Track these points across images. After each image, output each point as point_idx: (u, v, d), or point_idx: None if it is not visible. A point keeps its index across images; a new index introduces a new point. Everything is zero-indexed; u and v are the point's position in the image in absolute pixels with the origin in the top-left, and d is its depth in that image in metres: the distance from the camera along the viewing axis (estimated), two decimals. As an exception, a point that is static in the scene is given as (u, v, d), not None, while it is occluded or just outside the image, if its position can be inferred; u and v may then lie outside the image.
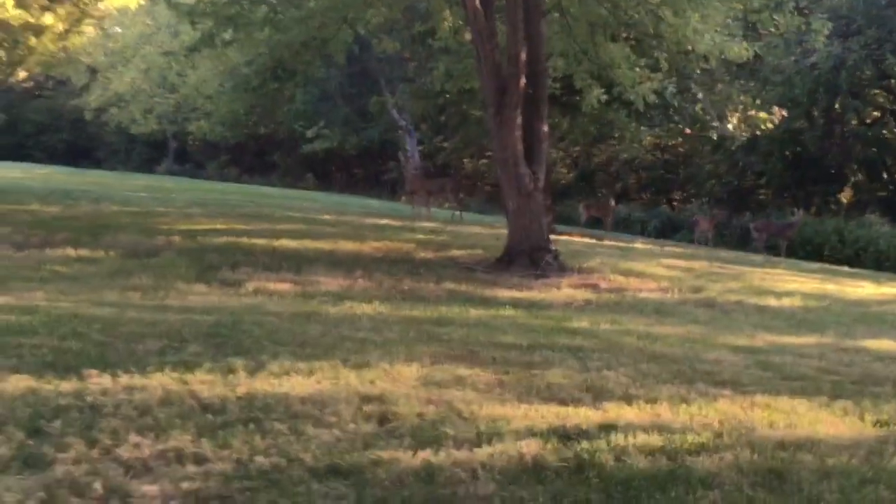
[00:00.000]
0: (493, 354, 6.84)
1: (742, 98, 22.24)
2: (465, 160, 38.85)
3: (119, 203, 18.78)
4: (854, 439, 5.11)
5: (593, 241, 19.58)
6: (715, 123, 21.56)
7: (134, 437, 4.40)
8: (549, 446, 4.59)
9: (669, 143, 34.58)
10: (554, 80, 18.28)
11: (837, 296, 13.23)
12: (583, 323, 9.06)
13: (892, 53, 26.31)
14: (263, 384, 5.45)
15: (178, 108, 50.57)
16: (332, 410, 5.00)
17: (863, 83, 29.30)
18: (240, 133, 47.63)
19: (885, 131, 31.62)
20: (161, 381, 5.36)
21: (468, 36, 15.79)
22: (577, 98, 18.31)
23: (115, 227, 14.08)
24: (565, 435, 4.81)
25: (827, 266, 21.03)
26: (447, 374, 6.00)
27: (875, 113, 32.62)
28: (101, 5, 27.23)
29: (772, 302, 11.90)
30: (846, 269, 20.62)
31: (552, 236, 14.57)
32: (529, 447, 4.55)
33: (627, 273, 13.07)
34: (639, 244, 20.04)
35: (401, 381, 5.74)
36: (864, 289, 14.73)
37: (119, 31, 53.73)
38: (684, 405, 5.58)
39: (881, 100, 32.13)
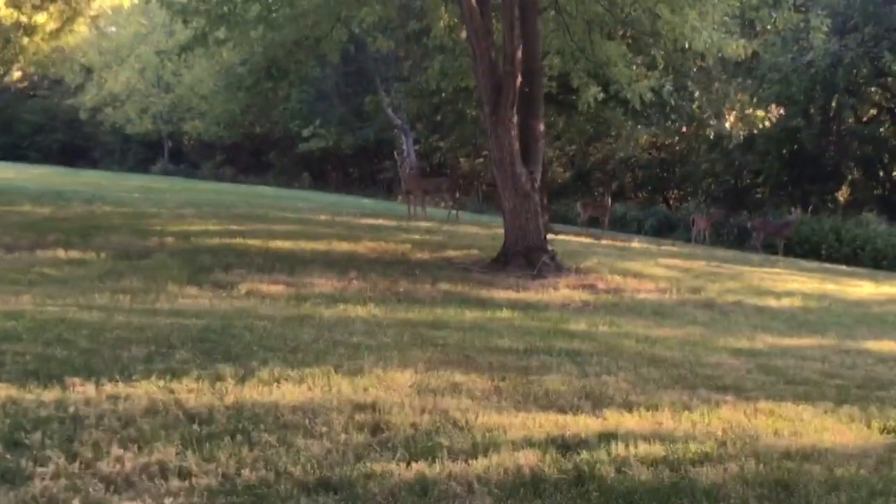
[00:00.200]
0: (490, 359, 6.68)
1: (739, 96, 22.10)
2: (461, 159, 38.79)
3: (112, 204, 18.59)
4: (862, 447, 4.96)
5: (590, 240, 19.43)
6: (712, 122, 21.41)
7: (116, 450, 4.23)
8: (547, 457, 4.43)
9: (665, 142, 34.50)
10: (550, 79, 18.15)
11: (837, 296, 13.12)
12: (580, 325, 8.92)
13: (889, 51, 26.19)
14: (252, 392, 5.28)
15: (173, 108, 50.45)
16: (324, 420, 4.83)
17: (860, 81, 29.23)
18: (235, 133, 47.59)
19: (881, 129, 31.56)
20: (146, 390, 5.19)
21: (463, 34, 15.62)
22: (574, 96, 18.15)
23: (106, 229, 13.91)
24: (564, 445, 4.65)
25: (825, 265, 20.93)
26: (442, 380, 5.84)
27: (872, 111, 32.56)
28: (94, 4, 27.08)
29: (771, 302, 11.79)
30: (844, 267, 20.53)
31: (549, 236, 14.42)
32: (527, 458, 4.39)
33: (625, 273, 12.93)
34: (636, 243, 19.89)
35: (394, 388, 5.58)
36: (863, 288, 14.62)
37: (114, 30, 53.63)
38: (686, 412, 5.42)
39: (878, 97, 32.06)
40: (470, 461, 4.34)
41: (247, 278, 10.48)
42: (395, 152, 30.12)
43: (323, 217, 18.83)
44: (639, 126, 23.81)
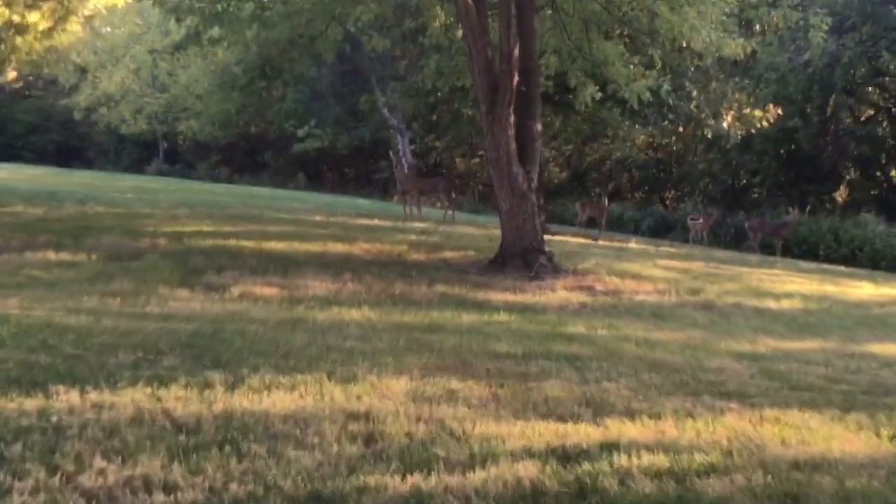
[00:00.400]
0: (487, 365, 6.52)
1: (737, 96, 21.99)
2: (457, 159, 38.63)
3: (105, 204, 18.39)
4: (871, 457, 4.81)
5: (588, 241, 19.28)
6: (710, 121, 21.27)
7: (99, 462, 4.08)
8: (547, 469, 4.27)
9: (662, 142, 34.35)
10: (547, 78, 17.97)
11: (837, 297, 12.97)
12: (579, 328, 8.76)
13: (887, 50, 26.07)
14: (242, 400, 5.12)
15: (168, 108, 50.22)
16: (315, 430, 4.67)
17: (857, 80, 29.08)
18: (230, 133, 47.36)
19: (879, 129, 31.44)
20: (132, 398, 5.03)
21: (460, 33, 15.47)
22: (571, 96, 18.00)
23: (98, 229, 13.70)
24: (565, 455, 4.49)
25: (823, 266, 20.79)
26: (438, 387, 5.68)
27: (869, 111, 32.43)
28: (89, 4, 26.88)
29: (771, 304, 11.64)
30: (842, 268, 20.38)
31: (546, 237, 14.26)
32: (527, 470, 4.24)
33: (623, 274, 12.77)
34: (633, 244, 19.75)
35: (389, 396, 5.42)
36: (863, 290, 14.48)
37: (108, 30, 53.38)
38: (690, 420, 5.27)
39: (876, 97, 31.93)
40: (467, 473, 4.18)
41: (239, 280, 10.29)
42: (390, 152, 29.93)
43: (318, 218, 18.65)
44: (636, 126, 23.66)
